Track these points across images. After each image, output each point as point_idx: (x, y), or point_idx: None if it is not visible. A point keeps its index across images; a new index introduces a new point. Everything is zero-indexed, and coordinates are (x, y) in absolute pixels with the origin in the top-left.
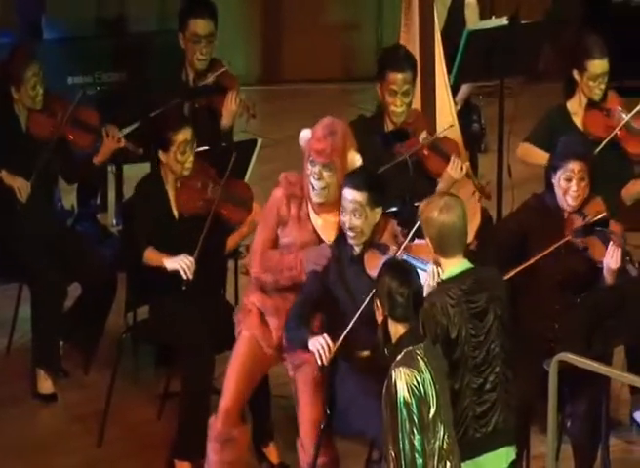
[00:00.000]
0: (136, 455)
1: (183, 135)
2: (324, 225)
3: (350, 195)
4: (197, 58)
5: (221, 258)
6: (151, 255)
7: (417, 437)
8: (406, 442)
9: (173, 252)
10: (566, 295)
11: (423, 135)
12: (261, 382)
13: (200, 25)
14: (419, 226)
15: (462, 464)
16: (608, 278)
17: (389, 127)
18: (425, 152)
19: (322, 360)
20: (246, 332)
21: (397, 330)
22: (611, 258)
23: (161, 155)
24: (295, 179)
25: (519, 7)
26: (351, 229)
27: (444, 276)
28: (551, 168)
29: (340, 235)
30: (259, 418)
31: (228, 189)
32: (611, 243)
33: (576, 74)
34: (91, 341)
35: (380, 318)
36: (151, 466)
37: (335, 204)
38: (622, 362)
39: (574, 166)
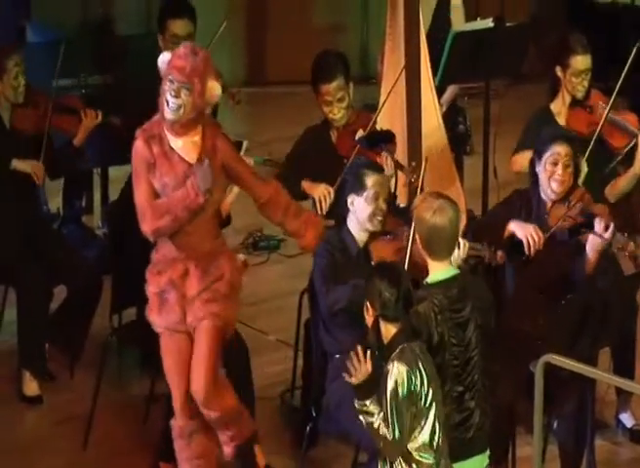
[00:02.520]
0: (121, 458)
1: None
2: (184, 146)
3: (382, 178)
4: None
5: None
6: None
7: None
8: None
9: None
10: (550, 297)
11: (360, 133)
12: (246, 384)
13: (179, 25)
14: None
15: None
16: (590, 255)
17: (334, 133)
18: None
19: None
20: (159, 329)
21: (389, 330)
22: (599, 224)
23: None
24: (149, 124)
25: (504, 8)
26: (383, 212)
27: (429, 279)
28: (536, 154)
29: (343, 227)
30: None
31: None
32: (597, 218)
33: (559, 71)
34: (76, 344)
35: (370, 320)
36: None
37: (189, 125)
38: (608, 363)
39: (560, 149)
